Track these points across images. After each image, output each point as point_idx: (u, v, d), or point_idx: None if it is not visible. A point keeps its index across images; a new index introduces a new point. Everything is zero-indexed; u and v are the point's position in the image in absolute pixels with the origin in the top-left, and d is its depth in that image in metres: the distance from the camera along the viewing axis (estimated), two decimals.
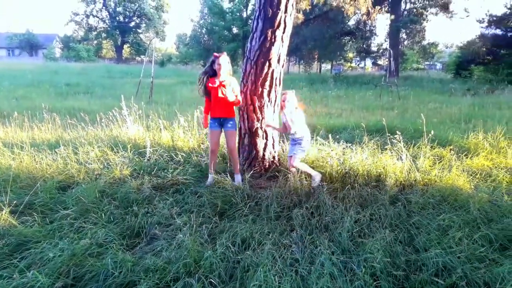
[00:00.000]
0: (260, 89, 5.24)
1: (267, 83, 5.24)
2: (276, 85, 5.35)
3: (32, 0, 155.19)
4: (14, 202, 3.87)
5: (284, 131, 5.05)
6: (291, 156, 4.91)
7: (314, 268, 2.82)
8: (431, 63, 55.57)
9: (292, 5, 5.18)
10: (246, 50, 5.43)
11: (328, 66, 48.60)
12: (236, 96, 4.86)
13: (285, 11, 5.06)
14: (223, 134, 5.00)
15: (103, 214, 3.86)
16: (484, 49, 31.57)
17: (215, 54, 4.84)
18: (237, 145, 5.30)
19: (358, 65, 56.51)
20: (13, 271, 2.82)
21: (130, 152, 5.80)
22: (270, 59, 5.14)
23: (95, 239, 3.34)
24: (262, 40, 5.11)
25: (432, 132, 5.51)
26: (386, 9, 17.93)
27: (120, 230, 3.67)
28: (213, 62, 4.79)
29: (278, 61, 5.24)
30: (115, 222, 3.79)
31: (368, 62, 54.59)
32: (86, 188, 4.44)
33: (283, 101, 4.85)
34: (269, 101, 5.34)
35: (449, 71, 36.50)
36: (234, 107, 4.98)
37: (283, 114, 4.85)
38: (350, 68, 50.26)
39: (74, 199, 4.18)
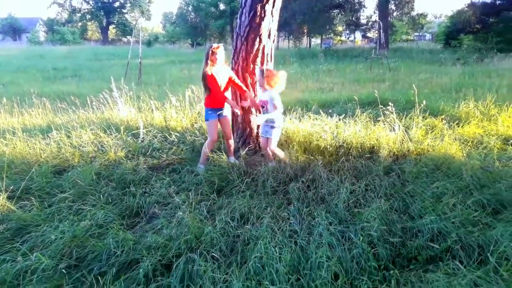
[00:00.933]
0: (252, 65, 5.20)
1: (259, 59, 5.19)
2: (267, 61, 5.30)
3: None
4: (11, 187, 3.86)
5: (257, 108, 4.91)
6: (267, 138, 4.74)
7: (313, 239, 2.89)
8: (420, 34, 55.35)
9: None
10: (235, 26, 5.37)
11: (318, 41, 48.10)
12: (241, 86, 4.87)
13: None
14: None
15: (101, 195, 3.87)
16: (473, 17, 31.47)
17: (214, 46, 4.70)
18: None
19: (348, 38, 56.10)
20: (16, 254, 2.85)
21: (124, 134, 5.78)
22: (261, 34, 5.08)
23: (94, 220, 3.36)
24: (251, 15, 5.04)
25: (424, 102, 5.55)
26: None
27: (119, 210, 3.71)
28: (213, 53, 4.63)
29: (269, 36, 5.18)
30: (113, 203, 3.82)
31: (358, 35, 54.21)
32: (82, 171, 4.44)
33: (269, 78, 4.60)
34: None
35: (439, 41, 36.41)
36: None
37: (268, 93, 4.64)
38: (340, 42, 49.88)
39: (70, 182, 4.19)
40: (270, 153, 4.73)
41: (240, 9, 5.21)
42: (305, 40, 44.86)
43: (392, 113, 5.03)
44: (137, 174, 4.52)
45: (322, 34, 43.16)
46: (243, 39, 5.15)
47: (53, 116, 7.30)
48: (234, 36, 5.40)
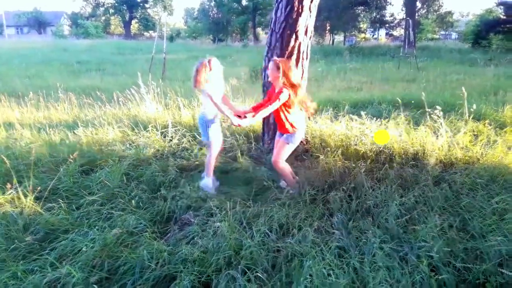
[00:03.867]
0: None
1: (294, 57, 4.92)
2: (303, 59, 5.02)
3: None
4: (38, 188, 3.70)
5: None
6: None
7: (366, 259, 2.61)
8: (446, 32, 53.94)
9: None
10: (270, 22, 5.10)
11: (341, 38, 47.33)
12: None
13: None
14: None
15: (131, 199, 3.68)
16: (503, 16, 30.39)
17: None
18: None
19: (372, 36, 55.07)
20: (44, 263, 2.66)
21: (152, 132, 5.59)
22: (297, 31, 4.81)
23: (125, 226, 3.16)
24: (288, 11, 4.77)
25: (474, 106, 5.17)
26: None
27: (150, 215, 3.51)
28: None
29: (306, 33, 4.90)
30: (144, 207, 3.62)
31: (382, 32, 53.14)
32: (110, 171, 4.26)
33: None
34: None
35: (467, 40, 35.33)
36: None
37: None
38: (364, 39, 48.99)
39: (98, 183, 4.01)
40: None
41: (276, 4, 4.94)
42: (327, 37, 44.19)
43: (439, 117, 4.68)
44: (167, 175, 4.31)
45: (346, 31, 42.45)
46: (278, 35, 4.89)
47: (78, 112, 7.18)
48: (269, 32, 5.13)
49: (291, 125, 3.86)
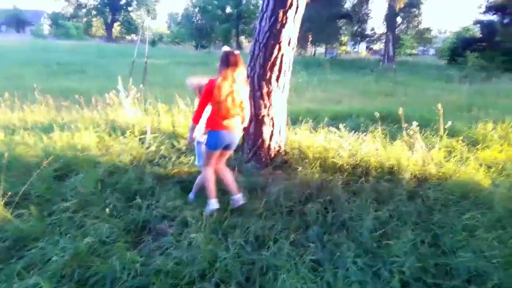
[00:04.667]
0: (269, 73, 4.96)
1: (276, 68, 4.96)
2: (285, 70, 5.06)
3: None
4: (9, 193, 3.58)
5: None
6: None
7: (340, 273, 2.62)
8: (424, 48, 55.37)
9: None
10: (254, 32, 5.13)
11: (322, 50, 48.00)
12: None
13: None
14: None
15: (105, 207, 3.60)
16: (480, 35, 31.46)
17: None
18: None
19: (353, 49, 56.06)
20: (11, 272, 2.58)
21: (130, 138, 5.52)
22: (281, 42, 4.85)
23: (98, 235, 3.10)
24: (272, 21, 4.81)
25: (449, 123, 5.29)
26: None
27: (124, 224, 3.45)
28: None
29: (289, 44, 4.95)
30: (118, 215, 3.55)
31: (363, 46, 54.16)
32: (85, 178, 4.17)
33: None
34: (277, 87, 5.06)
35: (444, 57, 36.37)
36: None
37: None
38: (344, 52, 49.83)
39: (72, 189, 3.92)
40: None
41: (261, 14, 4.98)
42: (309, 48, 44.76)
43: (416, 132, 4.78)
44: (143, 183, 4.25)
45: (327, 44, 43.08)
46: (261, 45, 4.92)
47: (55, 114, 7.02)
48: (252, 42, 5.16)
49: None
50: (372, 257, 2.91)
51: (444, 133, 5.55)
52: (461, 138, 5.94)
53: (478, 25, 32.07)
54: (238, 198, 3.83)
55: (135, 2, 63.93)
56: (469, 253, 2.87)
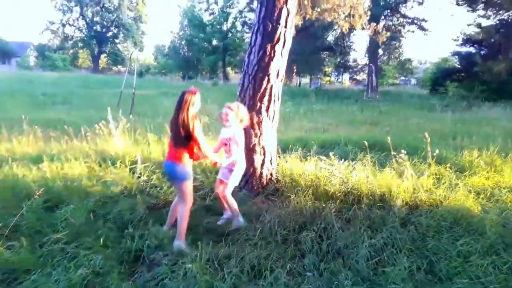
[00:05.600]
0: (258, 104, 5.07)
1: (266, 99, 5.07)
2: (274, 100, 5.18)
3: (5, 7, 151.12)
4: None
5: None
6: (222, 181, 4.31)
7: None
8: (406, 78, 56.98)
9: (292, 20, 5.06)
10: (244, 64, 5.26)
11: (307, 80, 48.98)
12: None
13: (285, 26, 4.94)
14: None
15: (97, 237, 3.55)
16: (458, 66, 32.59)
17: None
18: None
19: (336, 80, 57.27)
20: None
21: (120, 168, 5.49)
22: (269, 74, 4.99)
23: (91, 266, 3.04)
24: (261, 55, 4.97)
25: (437, 151, 5.42)
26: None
27: (117, 255, 3.41)
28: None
29: (277, 76, 5.10)
30: (111, 246, 3.50)
31: (346, 76, 55.43)
32: (76, 208, 4.13)
33: (226, 115, 4.11)
34: (267, 117, 5.16)
35: (425, 86, 37.44)
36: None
37: (233, 130, 4.17)
38: (328, 82, 50.88)
39: (63, 220, 3.86)
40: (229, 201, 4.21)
41: (249, 48, 5.13)
42: (294, 79, 45.65)
43: (405, 160, 4.88)
44: (135, 213, 4.22)
45: (311, 74, 44.04)
46: (250, 77, 5.05)
47: (44, 145, 6.96)
48: (242, 74, 5.29)
49: None
50: (369, 285, 2.92)
51: (432, 160, 5.67)
52: (448, 165, 6.07)
53: (456, 56, 33.25)
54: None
55: (121, 35, 64.61)
56: (465, 279, 2.89)
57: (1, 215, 3.91)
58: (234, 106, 4.24)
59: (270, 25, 4.89)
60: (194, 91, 3.77)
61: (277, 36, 4.90)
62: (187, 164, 3.71)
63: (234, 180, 4.29)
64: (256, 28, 5.04)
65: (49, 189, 4.57)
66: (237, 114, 4.18)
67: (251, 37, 5.14)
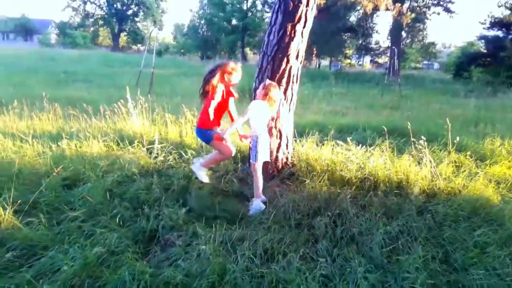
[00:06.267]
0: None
1: (284, 80, 4.99)
2: (293, 82, 5.09)
3: None
4: (18, 201, 3.59)
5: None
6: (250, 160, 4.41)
7: None
8: (429, 62, 55.58)
9: None
10: (262, 45, 5.17)
11: (326, 62, 48.25)
12: None
13: (307, 5, 4.80)
14: None
15: (113, 217, 3.60)
16: (484, 50, 31.57)
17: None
18: None
19: (358, 62, 56.23)
20: (21, 282, 2.57)
21: (137, 147, 5.53)
22: (289, 55, 4.89)
23: (107, 245, 3.09)
24: (281, 35, 4.86)
25: (458, 138, 5.28)
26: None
27: (132, 234, 3.44)
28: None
29: (297, 57, 4.99)
30: (126, 225, 3.55)
31: (367, 59, 54.39)
32: (93, 187, 4.18)
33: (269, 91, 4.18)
34: (285, 99, 5.08)
35: (448, 71, 36.47)
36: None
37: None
38: (349, 65, 50.07)
39: (80, 199, 3.93)
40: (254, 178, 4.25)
41: (269, 28, 5.03)
42: (314, 61, 45.02)
43: (424, 147, 4.77)
44: (151, 193, 4.25)
45: (332, 57, 43.31)
46: (269, 58, 4.96)
47: (63, 123, 7.07)
48: (260, 54, 5.20)
49: None
50: (383, 273, 2.89)
51: (452, 148, 5.54)
52: (469, 153, 5.92)
53: (483, 40, 32.20)
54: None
55: (141, 13, 64.62)
56: (482, 270, 2.84)
57: (22, 191, 3.99)
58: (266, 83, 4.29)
59: (292, 4, 4.75)
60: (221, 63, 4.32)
61: (298, 15, 4.77)
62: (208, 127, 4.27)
63: (254, 157, 4.22)
64: (277, 6, 4.92)
65: (67, 167, 4.64)
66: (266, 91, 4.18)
67: (271, 16, 5.02)
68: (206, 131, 4.31)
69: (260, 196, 4.20)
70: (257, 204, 4.13)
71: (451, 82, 26.71)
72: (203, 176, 4.44)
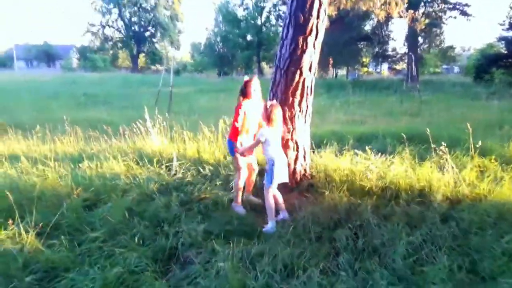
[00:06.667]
0: (291, 98, 4.98)
1: (298, 93, 4.98)
2: (307, 94, 5.08)
3: (49, 11, 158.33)
4: (40, 224, 3.66)
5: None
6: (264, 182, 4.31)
7: None
8: (448, 66, 54.65)
9: (325, 11, 4.92)
10: (275, 59, 5.18)
11: (344, 72, 48.07)
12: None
13: (317, 17, 4.80)
14: None
15: (133, 235, 3.62)
16: (505, 51, 30.84)
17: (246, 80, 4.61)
18: None
19: (375, 70, 55.79)
20: None
21: (156, 165, 5.59)
22: (301, 67, 4.88)
23: (127, 265, 3.10)
24: (293, 48, 4.86)
25: (480, 143, 5.12)
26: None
27: (152, 252, 3.45)
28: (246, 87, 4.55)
29: (310, 69, 4.97)
30: (146, 244, 3.56)
31: (385, 66, 53.90)
32: (113, 206, 4.23)
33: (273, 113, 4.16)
34: (300, 111, 5.07)
35: (469, 74, 35.73)
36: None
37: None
38: (366, 73, 49.70)
39: (101, 219, 3.97)
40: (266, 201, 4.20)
41: (281, 41, 5.04)
42: (330, 71, 44.88)
43: (445, 153, 4.65)
44: (170, 211, 4.27)
45: (348, 66, 43.13)
46: (282, 71, 4.96)
47: (84, 145, 7.22)
48: (274, 69, 5.21)
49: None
50: (406, 285, 2.80)
51: (475, 152, 5.38)
52: (493, 157, 5.74)
53: (503, 42, 31.49)
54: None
55: (159, 34, 66.01)
56: (511, 279, 2.71)
57: (43, 214, 4.06)
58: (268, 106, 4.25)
59: (302, 17, 4.76)
60: (246, 80, 4.57)
61: (309, 28, 4.77)
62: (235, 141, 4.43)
63: (269, 179, 4.19)
64: (288, 21, 4.94)
65: (88, 188, 4.72)
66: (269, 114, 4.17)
67: (283, 31, 5.04)
68: (230, 142, 4.56)
69: (272, 218, 4.14)
70: (271, 225, 4.09)
71: (471, 85, 26.09)
72: (240, 211, 4.52)
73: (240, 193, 4.62)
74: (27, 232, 3.47)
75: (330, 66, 40.91)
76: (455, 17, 31.97)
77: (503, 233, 3.46)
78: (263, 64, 53.58)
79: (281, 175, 4.25)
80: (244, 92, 4.51)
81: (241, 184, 4.58)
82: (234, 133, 4.47)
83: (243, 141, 4.45)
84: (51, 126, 7.96)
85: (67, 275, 2.97)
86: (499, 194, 4.26)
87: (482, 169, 5.38)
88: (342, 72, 48.53)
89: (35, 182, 4.66)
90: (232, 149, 4.53)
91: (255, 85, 4.53)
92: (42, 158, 5.68)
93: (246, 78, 4.62)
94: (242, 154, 4.42)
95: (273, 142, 4.20)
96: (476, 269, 3.02)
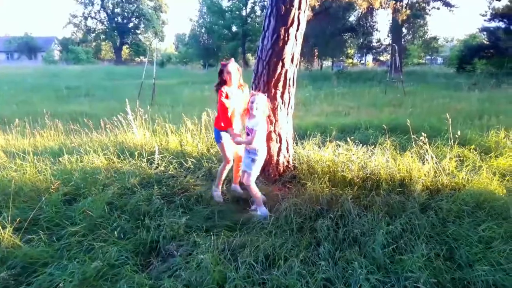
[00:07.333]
0: (273, 90, 4.96)
1: (280, 84, 4.96)
2: (289, 86, 5.06)
3: (30, 3, 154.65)
4: (18, 219, 3.59)
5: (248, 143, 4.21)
6: (245, 171, 4.28)
7: None
8: (432, 57, 55.24)
9: (306, 1, 4.90)
10: (257, 50, 5.16)
11: (329, 63, 48.20)
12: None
13: (299, 8, 4.78)
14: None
15: (113, 229, 3.58)
16: (487, 42, 31.29)
17: (223, 62, 4.56)
18: None
19: (359, 61, 56.11)
20: None
21: (138, 159, 5.53)
22: (283, 58, 4.86)
23: (106, 259, 3.07)
24: (274, 39, 4.84)
25: (459, 133, 5.20)
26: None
27: (133, 246, 3.42)
28: (221, 71, 4.47)
29: (292, 60, 4.96)
30: (126, 237, 3.53)
31: (369, 57, 54.23)
32: (93, 201, 4.17)
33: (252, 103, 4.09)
34: (282, 103, 5.06)
35: (452, 65, 36.19)
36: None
37: (256, 120, 4.12)
38: (351, 64, 49.96)
39: (81, 213, 3.92)
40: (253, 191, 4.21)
41: (263, 32, 5.01)
42: (316, 62, 44.93)
43: (425, 143, 4.71)
44: (152, 204, 4.24)
45: (333, 57, 43.22)
46: (264, 63, 4.94)
47: (65, 138, 7.10)
48: (255, 60, 5.18)
49: None
50: (385, 273, 2.84)
51: (454, 142, 5.47)
52: (473, 146, 5.84)
53: (484, 32, 31.94)
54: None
55: (142, 25, 65.11)
56: (487, 266, 2.77)
57: (22, 209, 4.00)
58: (259, 98, 4.14)
59: (284, 8, 4.73)
60: (223, 63, 4.52)
61: (291, 19, 4.75)
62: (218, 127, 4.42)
63: (256, 169, 4.21)
64: (269, 11, 4.90)
65: (68, 182, 4.65)
66: (261, 105, 4.12)
67: (264, 22, 5.00)
68: (216, 131, 4.50)
69: (261, 204, 4.18)
70: (262, 211, 4.12)
71: (454, 76, 26.50)
72: (217, 196, 4.59)
73: (222, 178, 4.68)
74: (4, 227, 3.41)
75: (315, 57, 40.89)
76: (438, 8, 32.21)
77: (480, 221, 3.53)
78: (249, 56, 53.39)
79: (260, 168, 4.27)
80: (222, 78, 4.46)
81: (225, 172, 4.61)
82: (219, 121, 4.42)
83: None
84: (31, 120, 7.81)
85: (45, 270, 2.93)
86: (477, 183, 4.34)
87: (461, 158, 5.48)
88: (327, 63, 48.63)
89: (13, 177, 4.56)
90: (218, 137, 4.50)
91: (232, 69, 4.41)
92: (20, 153, 5.57)
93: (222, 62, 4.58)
94: (238, 143, 4.36)
95: (264, 132, 4.23)
96: (454, 257, 3.07)
